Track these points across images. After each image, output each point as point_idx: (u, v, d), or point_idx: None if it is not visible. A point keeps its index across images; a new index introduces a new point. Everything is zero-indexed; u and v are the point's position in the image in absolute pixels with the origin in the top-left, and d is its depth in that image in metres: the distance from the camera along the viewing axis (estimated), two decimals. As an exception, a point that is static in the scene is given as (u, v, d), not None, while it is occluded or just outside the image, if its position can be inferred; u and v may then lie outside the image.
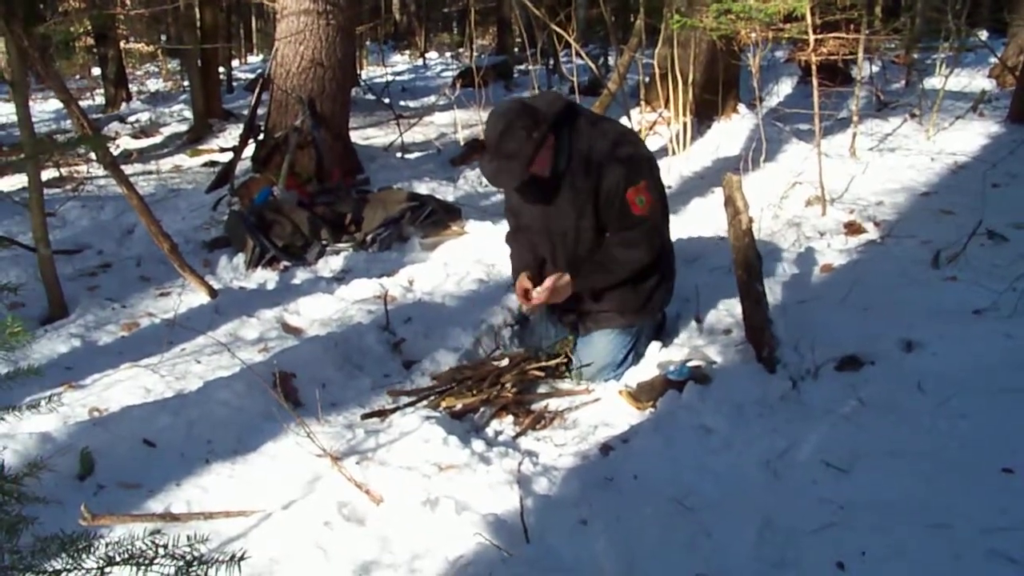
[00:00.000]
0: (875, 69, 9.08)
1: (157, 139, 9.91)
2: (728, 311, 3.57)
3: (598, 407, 3.15)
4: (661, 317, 3.58)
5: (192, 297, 4.38)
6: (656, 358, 3.32)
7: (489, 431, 3.04)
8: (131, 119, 11.13)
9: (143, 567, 1.57)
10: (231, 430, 2.94)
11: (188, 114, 10.81)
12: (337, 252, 5.16)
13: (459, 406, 3.11)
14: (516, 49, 15.70)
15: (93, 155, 7.53)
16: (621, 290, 3.29)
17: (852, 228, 4.71)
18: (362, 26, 14.68)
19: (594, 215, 3.16)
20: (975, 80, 9.30)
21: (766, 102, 8.28)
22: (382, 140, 8.79)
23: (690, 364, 3.19)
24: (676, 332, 3.58)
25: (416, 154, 8.19)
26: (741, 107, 7.74)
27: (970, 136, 6.66)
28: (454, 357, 3.53)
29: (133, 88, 13.83)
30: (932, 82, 8.40)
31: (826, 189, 5.07)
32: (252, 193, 5.93)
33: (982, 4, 13.33)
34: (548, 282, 3.20)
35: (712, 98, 7.32)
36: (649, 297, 3.34)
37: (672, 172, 6.45)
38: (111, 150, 5.07)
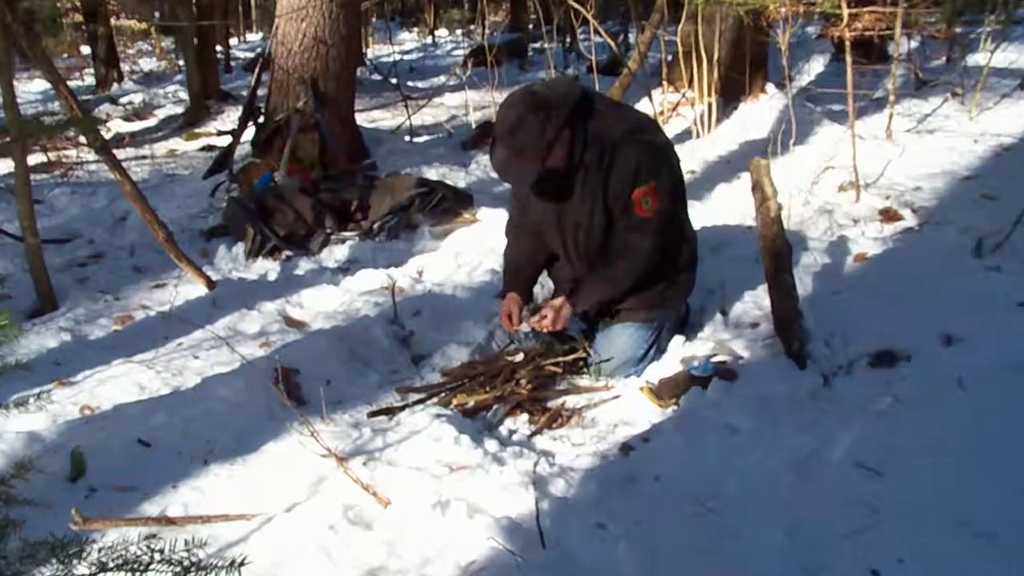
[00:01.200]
0: (913, 45, 8.98)
1: (151, 122, 9.94)
2: (755, 303, 3.56)
3: (618, 405, 3.14)
4: (684, 309, 3.57)
5: (189, 289, 4.40)
6: (679, 353, 3.31)
7: (503, 430, 3.04)
8: (123, 100, 11.15)
9: (138, 573, 1.58)
10: (230, 429, 2.96)
11: (184, 95, 10.83)
12: (342, 241, 5.17)
13: (471, 403, 3.12)
14: (531, 26, 15.65)
15: (83, 138, 7.53)
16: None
17: (888, 215, 4.68)
18: (367, 2, 14.67)
19: (605, 210, 3.16)
20: (1023, 55, 9.20)
21: (796, 81, 8.24)
22: (389, 123, 8.79)
23: (715, 359, 3.18)
24: (700, 325, 3.57)
25: (425, 137, 8.19)
26: (769, 87, 7.68)
27: (1017, 116, 6.58)
28: (466, 352, 3.54)
29: (125, 68, 13.84)
30: (976, 58, 8.31)
31: (860, 174, 5.04)
32: (252, 179, 5.95)
33: (1030, -27, 13.18)
34: (548, 311, 3.20)
35: (739, 77, 7.26)
36: (667, 291, 3.34)
37: (696, 156, 6.42)
38: (102, 133, 5.09)
